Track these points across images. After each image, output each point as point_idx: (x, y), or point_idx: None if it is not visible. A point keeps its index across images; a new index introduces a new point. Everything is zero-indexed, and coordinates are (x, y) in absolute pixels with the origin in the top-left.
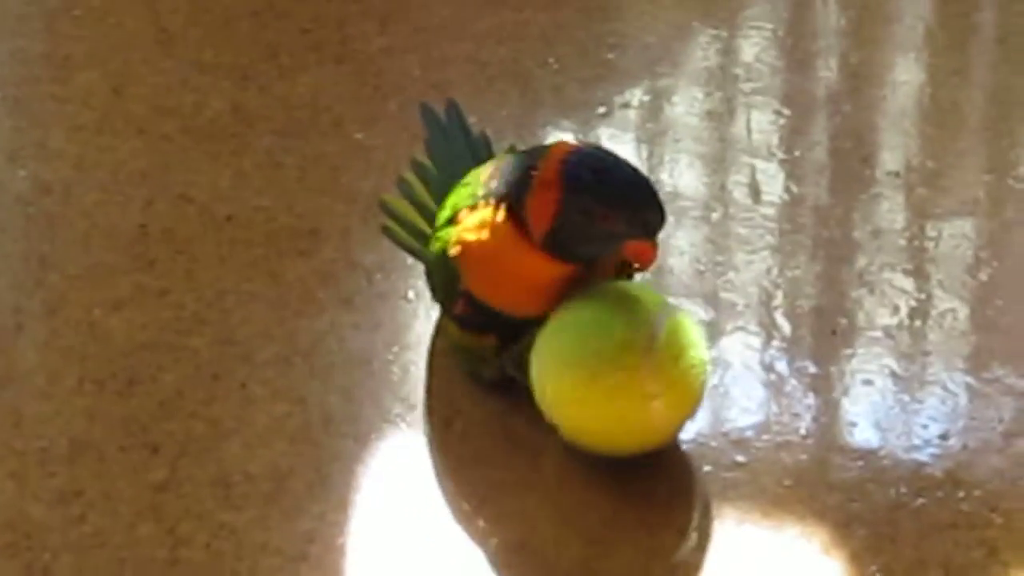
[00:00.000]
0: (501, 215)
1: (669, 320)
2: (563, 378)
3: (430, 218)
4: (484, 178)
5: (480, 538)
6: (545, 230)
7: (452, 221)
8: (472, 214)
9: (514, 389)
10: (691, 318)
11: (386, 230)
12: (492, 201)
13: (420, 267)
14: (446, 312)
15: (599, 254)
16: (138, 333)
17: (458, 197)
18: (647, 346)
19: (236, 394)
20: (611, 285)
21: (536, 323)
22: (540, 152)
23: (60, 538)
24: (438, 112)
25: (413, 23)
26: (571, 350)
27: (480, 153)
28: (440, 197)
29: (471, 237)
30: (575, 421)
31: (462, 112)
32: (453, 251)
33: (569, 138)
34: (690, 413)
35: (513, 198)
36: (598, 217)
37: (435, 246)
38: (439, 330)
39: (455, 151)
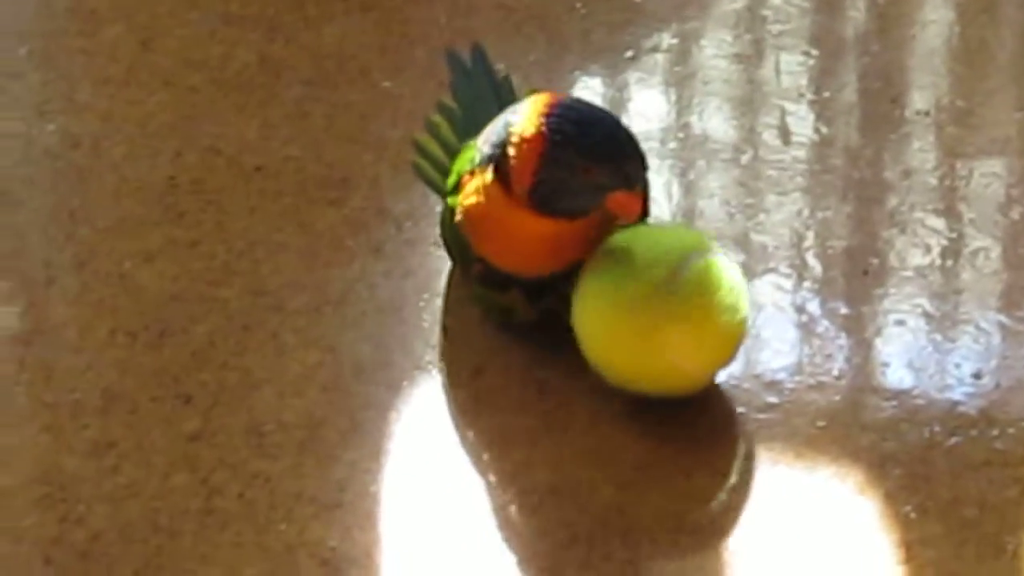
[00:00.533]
0: (489, 176)
1: (701, 262)
2: (595, 321)
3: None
4: (480, 142)
5: (511, 483)
6: (527, 186)
7: (457, 188)
8: (471, 180)
9: (545, 335)
10: (729, 262)
11: (416, 167)
12: (484, 165)
13: None
14: (465, 274)
15: (583, 207)
16: (169, 285)
17: (461, 163)
18: (669, 288)
19: (268, 344)
20: (647, 228)
21: (562, 275)
22: (520, 108)
23: (94, 489)
24: (463, 56)
25: None
26: (601, 293)
27: (504, 96)
28: (465, 138)
29: (471, 203)
30: (610, 364)
31: (487, 56)
32: (458, 218)
33: (597, 83)
34: (721, 357)
35: (497, 158)
36: (580, 170)
37: (445, 214)
38: (463, 281)
39: (480, 94)
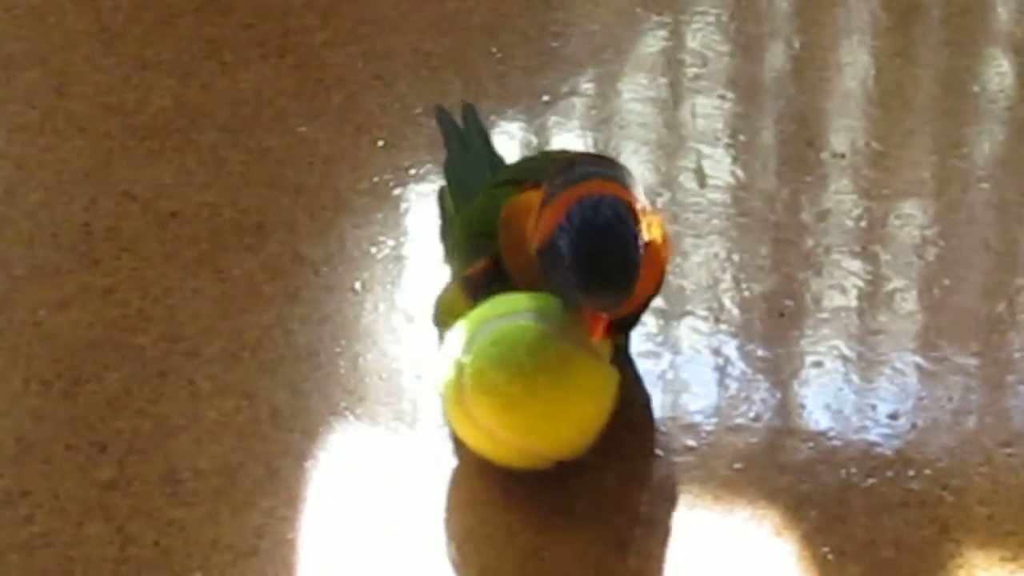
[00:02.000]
0: (537, 203)
1: (477, 344)
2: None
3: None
4: (552, 170)
5: (428, 529)
6: (539, 242)
7: (516, 183)
8: (534, 190)
9: None
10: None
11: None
12: (546, 189)
13: (366, 260)
14: (455, 272)
15: (565, 297)
16: (84, 332)
17: (530, 165)
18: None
19: (183, 391)
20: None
21: None
22: (579, 180)
23: (8, 538)
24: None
25: (355, 16)
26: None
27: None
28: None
29: (523, 209)
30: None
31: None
32: (505, 212)
33: (515, 128)
34: (534, 431)
35: (549, 197)
36: (567, 267)
37: (485, 201)
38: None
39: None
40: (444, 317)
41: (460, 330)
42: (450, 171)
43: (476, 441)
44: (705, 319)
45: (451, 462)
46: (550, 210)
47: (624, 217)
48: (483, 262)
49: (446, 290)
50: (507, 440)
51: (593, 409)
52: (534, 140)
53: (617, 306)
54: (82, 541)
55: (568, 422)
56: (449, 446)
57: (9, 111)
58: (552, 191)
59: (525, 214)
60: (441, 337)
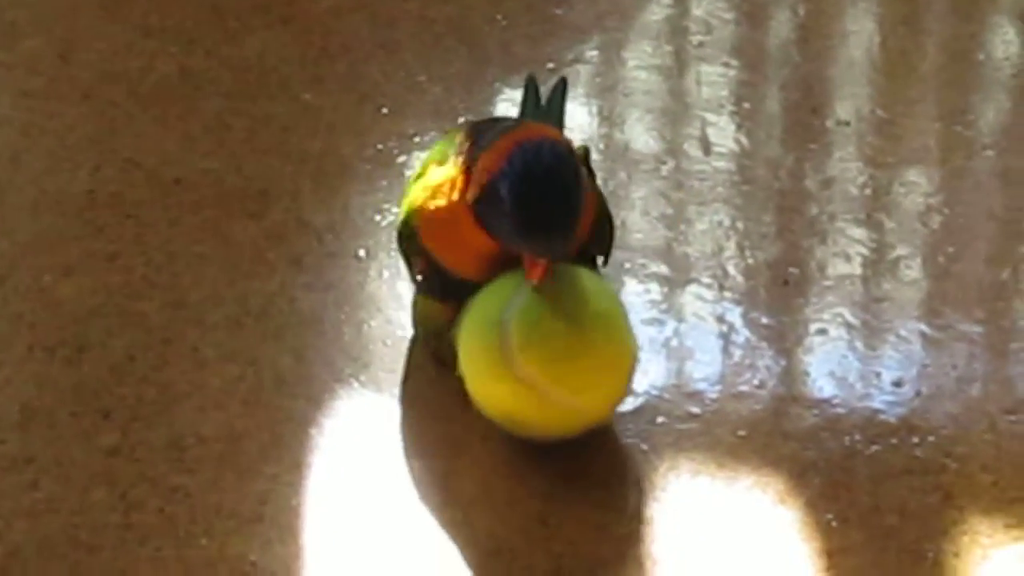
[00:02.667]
0: (458, 173)
1: (522, 301)
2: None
3: None
4: (459, 140)
5: (434, 494)
6: (474, 194)
7: (420, 176)
8: (438, 170)
9: None
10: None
11: None
12: (457, 160)
13: (371, 227)
14: (412, 277)
15: (506, 242)
16: (88, 298)
17: (432, 154)
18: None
19: (187, 357)
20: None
21: None
22: (513, 127)
23: (12, 504)
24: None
25: None
26: (463, 346)
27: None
28: None
29: (429, 192)
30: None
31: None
32: (412, 204)
33: (519, 95)
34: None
35: (471, 159)
36: (507, 213)
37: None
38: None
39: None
40: (425, 322)
41: (488, 297)
42: None
43: (519, 404)
44: (709, 287)
45: (456, 429)
46: (487, 157)
47: (566, 160)
48: (419, 263)
49: (414, 299)
50: (557, 398)
51: (631, 367)
52: None
53: (560, 251)
54: (87, 507)
55: (615, 378)
56: (454, 408)
57: (13, 77)
58: (480, 145)
59: (433, 196)
60: (427, 342)
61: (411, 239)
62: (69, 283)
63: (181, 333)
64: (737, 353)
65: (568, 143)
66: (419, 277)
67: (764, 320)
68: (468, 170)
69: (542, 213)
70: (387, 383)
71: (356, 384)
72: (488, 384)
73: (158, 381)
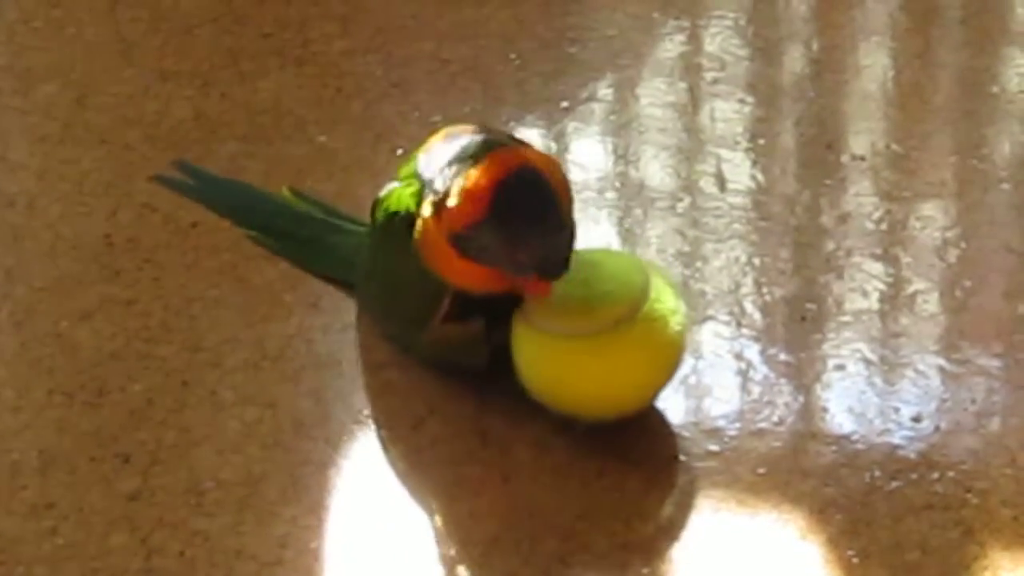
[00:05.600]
0: (427, 209)
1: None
2: (548, 353)
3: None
4: (426, 171)
5: (454, 535)
6: (455, 231)
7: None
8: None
9: (487, 383)
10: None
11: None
12: (429, 195)
13: None
14: (421, 323)
15: (495, 266)
16: (106, 343)
17: (402, 198)
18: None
19: (206, 401)
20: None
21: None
22: (481, 153)
23: (33, 551)
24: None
25: (373, 24)
26: (551, 329)
27: None
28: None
29: (421, 226)
30: (563, 391)
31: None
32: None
33: (534, 134)
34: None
35: (442, 195)
36: (510, 247)
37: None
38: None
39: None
40: (448, 349)
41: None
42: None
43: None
44: (727, 323)
45: (474, 469)
46: (457, 205)
47: (543, 187)
48: (445, 302)
49: (468, 343)
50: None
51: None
52: (553, 146)
53: (565, 265)
54: (107, 552)
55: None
56: (474, 447)
57: (29, 123)
58: (447, 175)
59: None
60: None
61: (431, 282)
62: (87, 328)
63: (199, 377)
64: (756, 390)
65: (539, 159)
66: (444, 320)
67: (782, 356)
68: (441, 203)
69: (552, 235)
70: (406, 425)
71: (375, 425)
72: (621, 355)
73: (177, 425)
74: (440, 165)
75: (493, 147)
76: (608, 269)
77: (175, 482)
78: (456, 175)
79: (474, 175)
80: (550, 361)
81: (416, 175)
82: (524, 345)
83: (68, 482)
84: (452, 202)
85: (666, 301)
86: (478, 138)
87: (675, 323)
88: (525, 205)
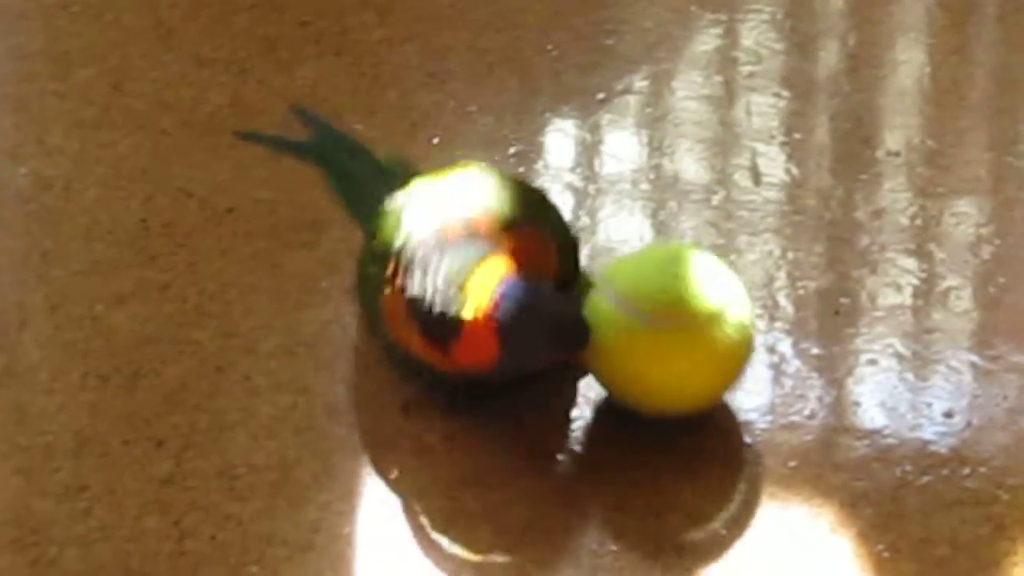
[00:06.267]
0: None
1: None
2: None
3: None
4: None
5: (487, 523)
6: (474, 369)
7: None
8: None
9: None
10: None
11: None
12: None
13: None
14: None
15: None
16: (141, 327)
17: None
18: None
19: (240, 386)
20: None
21: None
22: (459, 286)
23: (65, 532)
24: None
25: (411, 13)
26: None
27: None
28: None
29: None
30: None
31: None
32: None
33: (569, 125)
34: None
35: (441, 340)
36: (538, 358)
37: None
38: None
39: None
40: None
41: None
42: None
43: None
44: (760, 317)
45: (506, 456)
46: (465, 344)
47: (540, 297)
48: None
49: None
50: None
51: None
52: (588, 137)
53: (588, 338)
54: (139, 535)
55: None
56: (508, 436)
57: (67, 107)
58: (437, 332)
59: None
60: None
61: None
62: (122, 312)
63: (233, 362)
64: (788, 383)
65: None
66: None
67: (815, 350)
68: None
69: (561, 321)
70: (439, 412)
71: (409, 413)
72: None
73: (211, 409)
74: (425, 283)
75: (475, 260)
76: (698, 267)
77: (208, 466)
78: (445, 303)
79: (471, 305)
80: (632, 350)
81: (391, 251)
82: (605, 329)
83: (101, 465)
84: (461, 347)
85: (744, 303)
86: (461, 253)
87: (750, 326)
88: (530, 312)
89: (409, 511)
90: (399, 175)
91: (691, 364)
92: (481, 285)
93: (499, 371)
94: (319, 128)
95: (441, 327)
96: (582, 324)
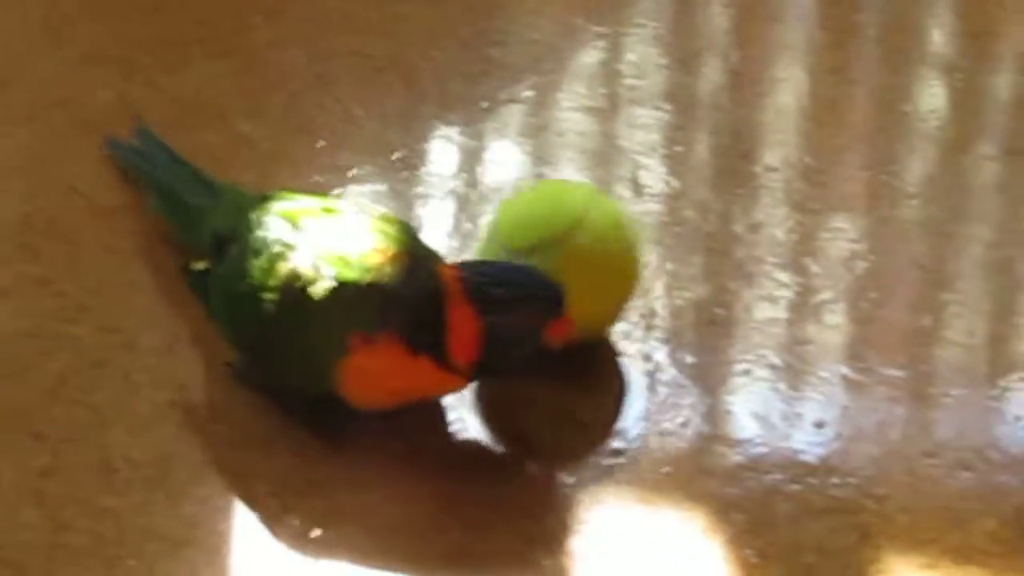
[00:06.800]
0: (420, 357)
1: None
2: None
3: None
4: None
5: (359, 522)
6: (472, 360)
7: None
8: (371, 347)
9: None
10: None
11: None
12: (392, 337)
13: None
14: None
15: (526, 356)
16: (21, 322)
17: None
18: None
19: (119, 381)
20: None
21: None
22: (425, 282)
23: None
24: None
25: (299, 15)
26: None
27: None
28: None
29: (368, 368)
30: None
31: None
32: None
33: (454, 132)
34: None
35: (427, 341)
36: (516, 320)
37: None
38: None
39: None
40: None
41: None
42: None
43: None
44: (636, 325)
45: (381, 457)
46: (456, 338)
47: (499, 267)
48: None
49: None
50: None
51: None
52: (472, 145)
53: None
54: (16, 527)
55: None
56: (380, 442)
57: None
58: (423, 335)
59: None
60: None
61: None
62: (2, 306)
63: (113, 358)
64: (663, 391)
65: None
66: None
67: (689, 359)
68: (430, 350)
69: (527, 276)
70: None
71: (286, 410)
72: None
73: (89, 404)
74: (395, 304)
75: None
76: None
77: (86, 460)
78: (426, 315)
79: (447, 305)
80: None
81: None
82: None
83: None
84: (456, 348)
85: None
86: (411, 270)
87: (623, 238)
88: (497, 281)
89: (285, 507)
90: (227, 197)
91: (573, 280)
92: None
93: (488, 359)
94: (149, 145)
95: (430, 329)
96: (538, 272)
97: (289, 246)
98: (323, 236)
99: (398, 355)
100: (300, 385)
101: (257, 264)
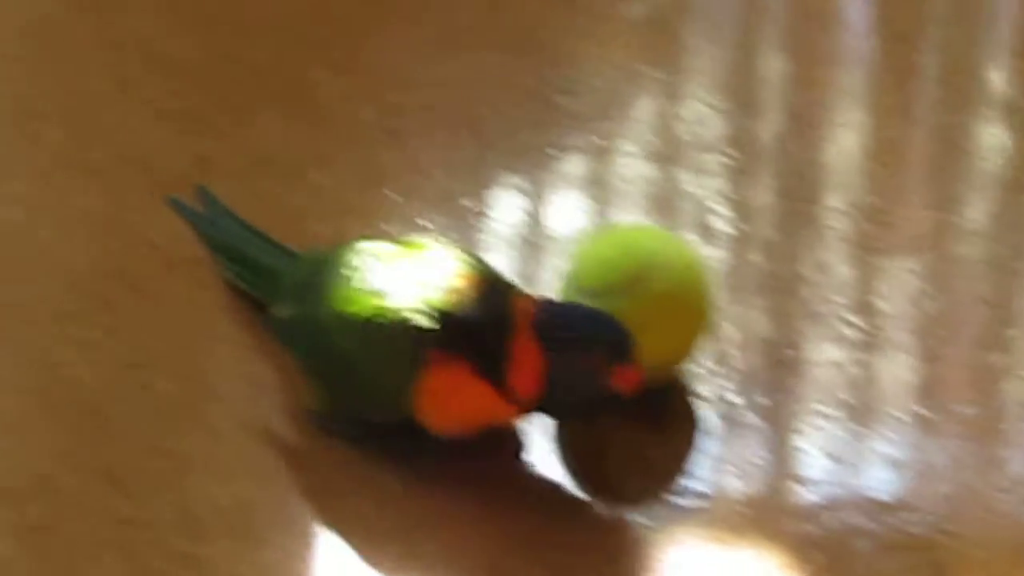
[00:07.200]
0: (476, 379)
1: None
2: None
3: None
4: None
5: (440, 567)
6: (532, 394)
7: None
8: (446, 366)
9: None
10: None
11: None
12: (462, 358)
13: None
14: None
15: (591, 399)
16: (102, 370)
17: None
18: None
19: (201, 430)
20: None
21: None
22: (498, 309)
23: (26, 573)
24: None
25: (368, 70)
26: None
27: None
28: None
29: (442, 388)
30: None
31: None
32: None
33: (519, 181)
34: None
35: (488, 367)
36: (581, 361)
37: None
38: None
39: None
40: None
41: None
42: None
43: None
44: (708, 366)
45: (466, 502)
46: (516, 367)
47: (571, 308)
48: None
49: None
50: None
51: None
52: (539, 192)
53: (631, 337)
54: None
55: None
56: (468, 481)
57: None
58: (485, 359)
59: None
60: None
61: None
62: (84, 358)
63: (194, 406)
64: (736, 432)
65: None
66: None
67: (761, 400)
68: (490, 375)
69: (596, 320)
70: (398, 455)
71: (368, 455)
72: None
73: (172, 452)
74: (467, 326)
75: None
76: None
77: (168, 508)
78: (492, 343)
79: (513, 336)
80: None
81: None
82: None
83: (60, 505)
84: (516, 379)
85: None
86: (483, 297)
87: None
88: (563, 316)
89: (368, 553)
90: (303, 254)
91: (646, 321)
92: (517, 313)
93: (551, 399)
94: (214, 210)
95: (492, 356)
96: (610, 316)
97: (370, 274)
98: (405, 265)
99: (467, 377)
100: (381, 412)
101: (339, 294)
